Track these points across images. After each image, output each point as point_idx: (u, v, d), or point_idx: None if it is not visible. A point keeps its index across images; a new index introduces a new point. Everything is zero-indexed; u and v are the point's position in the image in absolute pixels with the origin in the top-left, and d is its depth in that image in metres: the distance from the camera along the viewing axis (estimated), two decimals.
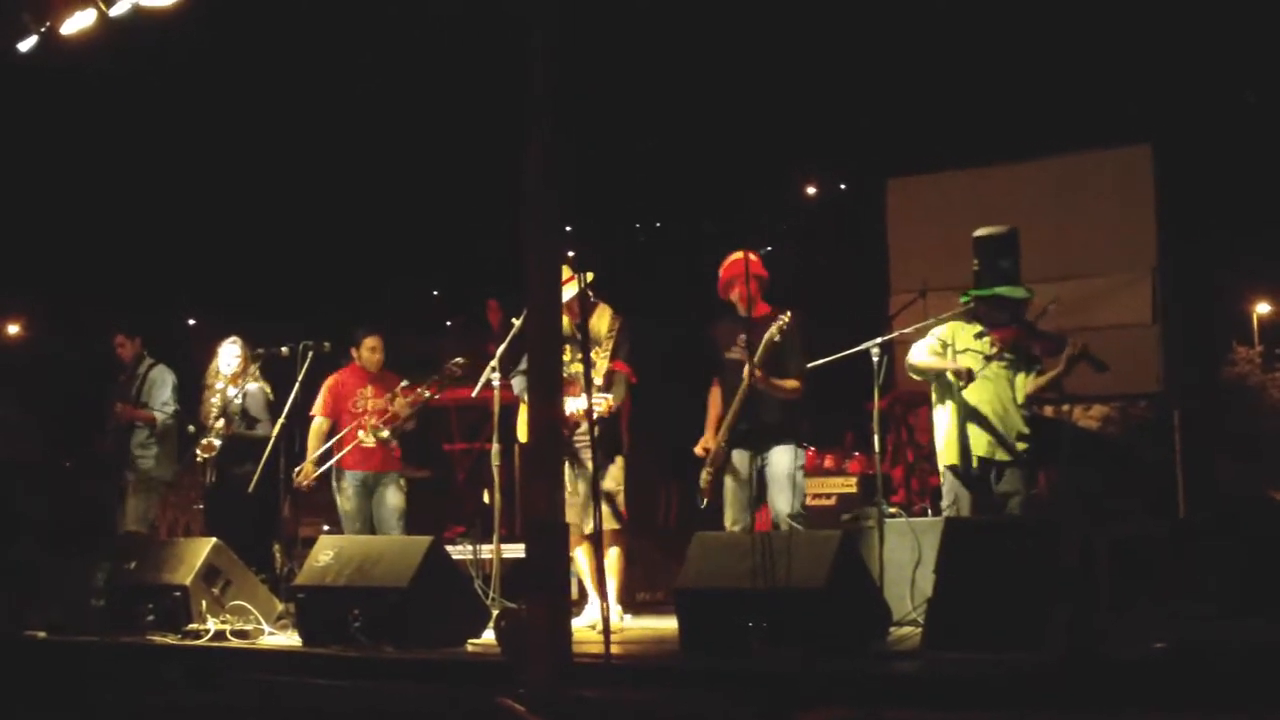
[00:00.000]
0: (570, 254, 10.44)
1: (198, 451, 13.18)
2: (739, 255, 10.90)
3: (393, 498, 12.57)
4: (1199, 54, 13.78)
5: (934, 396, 10.50)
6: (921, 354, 10.38)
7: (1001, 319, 10.26)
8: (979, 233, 10.47)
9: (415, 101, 15.82)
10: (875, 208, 15.60)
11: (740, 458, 10.66)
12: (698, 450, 10.93)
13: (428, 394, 12.46)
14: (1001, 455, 10.16)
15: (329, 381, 12.68)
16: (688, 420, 11.18)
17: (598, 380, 10.71)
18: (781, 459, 10.61)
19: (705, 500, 10.84)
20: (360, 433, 12.53)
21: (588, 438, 10.48)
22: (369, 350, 12.73)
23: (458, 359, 12.36)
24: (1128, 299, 13.79)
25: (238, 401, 13.21)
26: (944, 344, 10.38)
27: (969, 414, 10.21)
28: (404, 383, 12.47)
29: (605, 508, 10.62)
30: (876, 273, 15.07)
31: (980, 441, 10.17)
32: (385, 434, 12.37)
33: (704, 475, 10.83)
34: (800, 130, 16.07)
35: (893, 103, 15.37)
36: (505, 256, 9.49)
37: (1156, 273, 13.83)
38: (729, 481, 10.70)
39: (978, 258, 10.41)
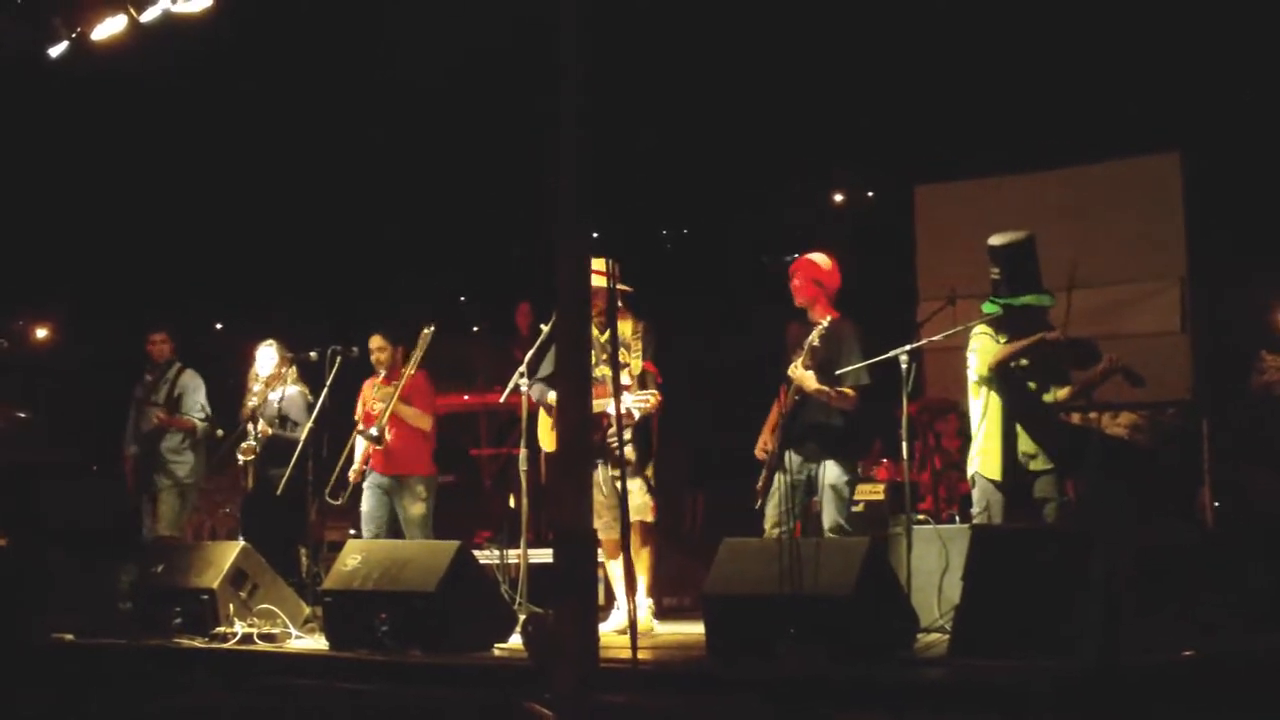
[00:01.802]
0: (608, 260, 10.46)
1: (238, 455, 13.19)
2: (809, 255, 10.90)
3: (412, 506, 12.42)
4: (1228, 61, 13.73)
5: (981, 405, 10.40)
6: (988, 347, 10.29)
7: (1028, 328, 10.22)
8: (995, 241, 10.39)
9: (445, 105, 15.82)
10: (903, 215, 15.59)
11: (789, 460, 10.63)
12: (756, 452, 10.91)
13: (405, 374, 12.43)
14: (1035, 465, 10.13)
15: (362, 389, 12.69)
16: (712, 427, 11.17)
17: (627, 380, 10.72)
18: (830, 472, 10.57)
19: (761, 501, 10.80)
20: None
21: (618, 439, 10.49)
22: (372, 350, 12.69)
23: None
24: (1157, 307, 13.78)
25: (277, 404, 13.23)
26: (993, 339, 10.32)
27: (1010, 424, 10.16)
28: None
29: (637, 502, 10.64)
30: (904, 280, 15.06)
31: (1016, 451, 10.14)
32: (373, 433, 12.32)
33: (763, 476, 10.79)
34: (828, 138, 16.04)
35: (921, 110, 15.33)
36: (535, 262, 9.50)
37: (1185, 280, 13.82)
38: (778, 478, 10.66)
39: (997, 266, 10.36)
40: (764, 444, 10.85)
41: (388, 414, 12.28)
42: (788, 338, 10.92)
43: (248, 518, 13.39)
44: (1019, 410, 10.21)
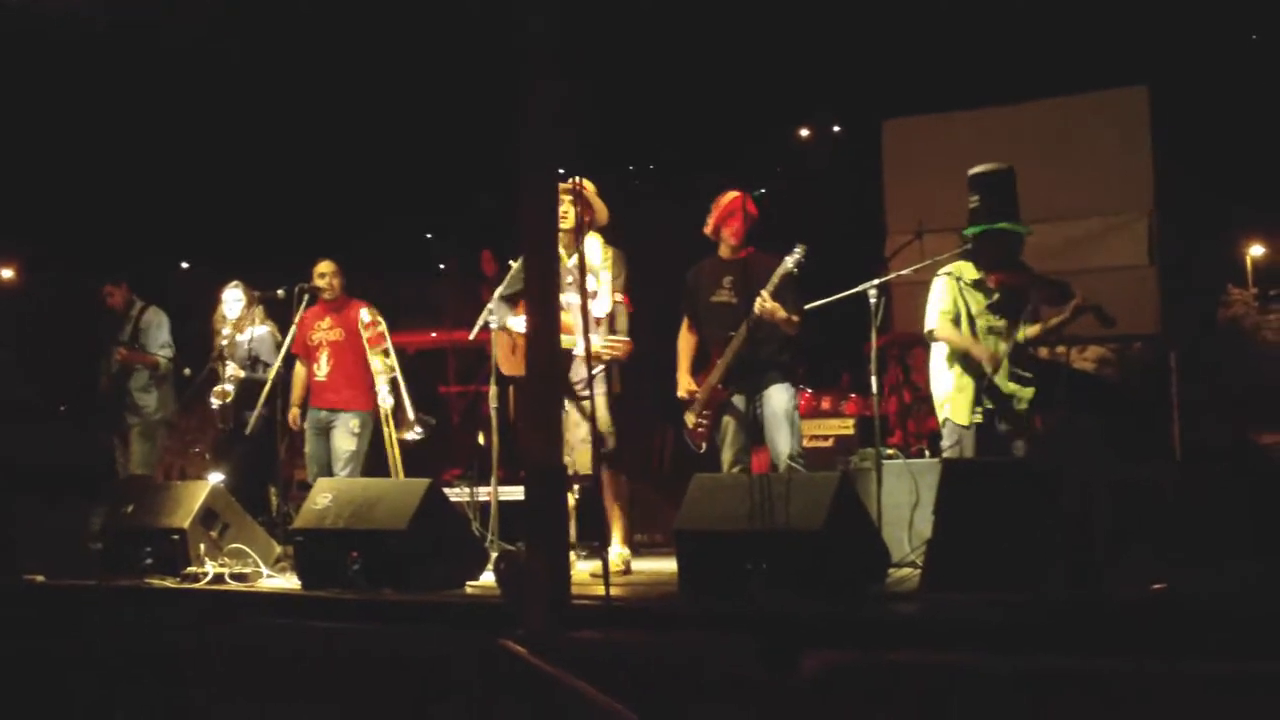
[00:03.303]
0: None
1: (212, 399, 13.19)
2: (735, 194, 10.85)
3: (341, 440, 12.48)
4: None
5: (943, 354, 10.38)
6: (943, 324, 10.23)
7: (1001, 259, 10.21)
8: (975, 170, 10.39)
9: (410, 42, 15.73)
10: (870, 149, 15.56)
11: (738, 399, 10.63)
12: (681, 394, 10.90)
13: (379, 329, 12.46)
14: (1020, 407, 10.13)
15: (297, 319, 12.64)
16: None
17: (597, 314, 10.68)
18: (778, 398, 10.55)
19: (702, 445, 10.81)
20: (314, 365, 12.59)
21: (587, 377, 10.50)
22: (319, 277, 12.67)
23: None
24: (1124, 240, 13.80)
25: (247, 345, 13.21)
26: (956, 306, 10.26)
27: (977, 371, 10.16)
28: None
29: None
30: (872, 214, 15.05)
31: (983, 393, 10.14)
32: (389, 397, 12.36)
33: (689, 419, 10.79)
34: (794, 72, 16.00)
35: (888, 43, 15.30)
36: (499, 204, 9.46)
37: (1153, 214, 13.83)
38: (727, 421, 10.67)
39: (976, 194, 10.33)
40: (688, 387, 10.84)
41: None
42: (700, 275, 10.90)
43: (222, 458, 13.36)
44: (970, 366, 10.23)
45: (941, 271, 10.35)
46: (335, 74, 16.48)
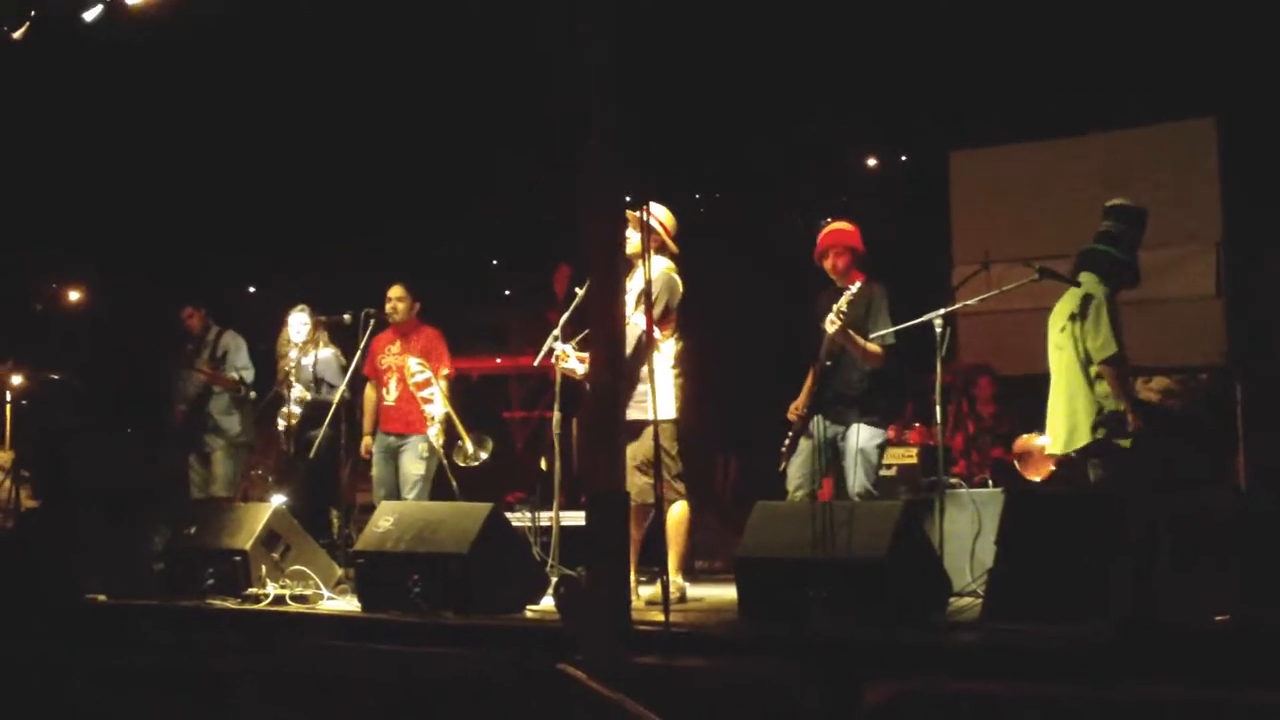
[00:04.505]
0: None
1: (279, 420, 13.25)
2: (836, 225, 10.83)
3: (410, 465, 12.50)
4: (1265, 24, 13.62)
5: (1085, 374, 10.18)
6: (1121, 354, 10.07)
7: (1117, 279, 10.13)
8: (1117, 202, 10.31)
9: (478, 69, 15.77)
10: (938, 180, 15.52)
11: (817, 425, 10.53)
12: (789, 413, 10.79)
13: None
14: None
15: (364, 343, 12.61)
16: (746, 390, 11.11)
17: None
18: (858, 435, 10.41)
19: (785, 464, 10.70)
20: (383, 390, 12.62)
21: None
22: (388, 302, 12.71)
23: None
24: (1192, 271, 13.70)
25: (311, 369, 13.26)
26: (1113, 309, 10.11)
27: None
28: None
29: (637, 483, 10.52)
30: (939, 245, 15.00)
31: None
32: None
33: (789, 438, 10.67)
34: (862, 102, 15.96)
35: (955, 75, 15.24)
36: (569, 227, 9.45)
37: (1221, 245, 13.75)
38: (803, 445, 10.56)
39: (1122, 224, 10.19)
40: (797, 406, 10.76)
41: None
42: (817, 307, 10.83)
43: (286, 481, 13.42)
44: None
45: (1101, 295, 10.12)
46: (403, 100, 16.52)
